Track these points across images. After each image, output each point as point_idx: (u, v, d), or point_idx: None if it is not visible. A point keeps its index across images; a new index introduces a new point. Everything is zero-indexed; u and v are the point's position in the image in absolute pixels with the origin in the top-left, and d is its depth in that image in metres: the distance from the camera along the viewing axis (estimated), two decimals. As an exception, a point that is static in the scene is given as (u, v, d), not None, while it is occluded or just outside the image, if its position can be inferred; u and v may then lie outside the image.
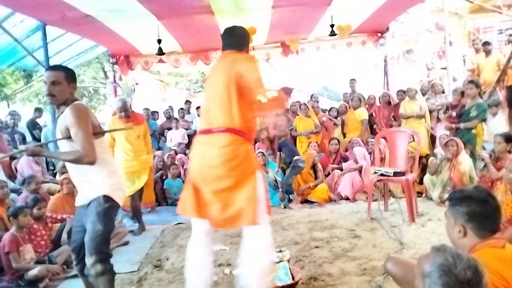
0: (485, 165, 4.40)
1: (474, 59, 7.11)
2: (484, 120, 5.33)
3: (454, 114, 5.45)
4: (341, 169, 5.99)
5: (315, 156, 5.95)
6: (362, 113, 6.96)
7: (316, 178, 5.85)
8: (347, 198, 5.57)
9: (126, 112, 4.51)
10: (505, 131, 5.22)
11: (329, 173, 6.09)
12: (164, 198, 6.31)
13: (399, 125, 6.45)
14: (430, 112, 6.64)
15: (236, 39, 2.60)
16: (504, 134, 4.46)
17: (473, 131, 5.19)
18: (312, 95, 10.30)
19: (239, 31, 2.64)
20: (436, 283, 1.24)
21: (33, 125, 7.53)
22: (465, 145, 4.97)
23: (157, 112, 9.19)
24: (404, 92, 6.75)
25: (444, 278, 1.23)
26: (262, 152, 5.81)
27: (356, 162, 5.79)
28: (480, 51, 7.00)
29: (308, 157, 5.86)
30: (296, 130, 6.82)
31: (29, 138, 7.05)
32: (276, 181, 5.74)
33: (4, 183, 4.27)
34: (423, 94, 7.01)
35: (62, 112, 2.39)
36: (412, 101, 6.42)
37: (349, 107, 7.28)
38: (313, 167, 5.90)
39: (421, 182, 5.46)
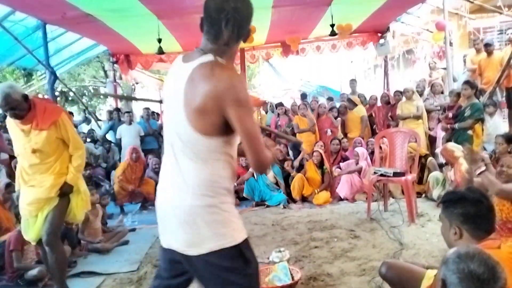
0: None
1: (474, 59, 7.10)
2: (481, 120, 5.31)
3: (450, 115, 5.47)
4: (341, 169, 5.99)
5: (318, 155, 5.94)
6: (361, 110, 7.02)
7: (323, 180, 5.84)
8: (345, 199, 5.58)
9: (13, 110, 2.70)
10: (506, 132, 5.21)
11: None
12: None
13: (397, 125, 6.46)
14: (429, 112, 6.65)
15: None
16: (506, 135, 4.43)
17: (469, 131, 5.17)
18: (302, 93, 10.33)
19: None
20: (449, 269, 1.27)
21: None
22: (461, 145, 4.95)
23: (157, 112, 9.16)
24: (401, 92, 6.76)
25: (457, 265, 1.26)
26: None
27: (357, 162, 5.78)
28: (481, 51, 6.99)
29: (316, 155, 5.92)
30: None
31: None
32: (276, 182, 5.75)
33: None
34: (420, 94, 7.00)
35: None
36: (409, 101, 6.42)
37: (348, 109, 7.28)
38: (321, 167, 5.90)
39: (420, 182, 5.46)
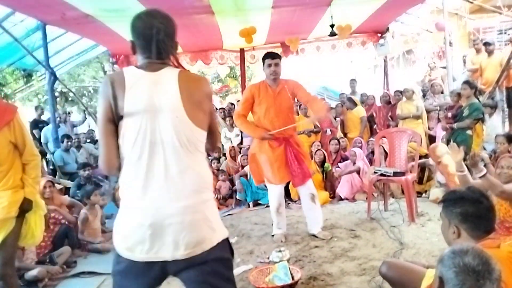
0: (484, 166, 4.39)
1: (474, 59, 7.11)
2: (480, 119, 5.31)
3: (449, 115, 5.47)
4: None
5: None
6: (360, 111, 7.02)
7: (324, 179, 5.85)
8: (345, 199, 5.57)
9: None
10: (506, 132, 5.20)
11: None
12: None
13: (396, 125, 6.46)
14: (429, 112, 6.65)
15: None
16: (507, 135, 4.42)
17: (469, 131, 5.16)
18: None
19: None
20: (445, 265, 1.30)
21: (36, 124, 7.53)
22: (459, 145, 4.93)
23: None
24: (401, 92, 6.76)
25: (452, 260, 1.29)
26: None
27: (354, 162, 5.78)
28: (481, 51, 7.00)
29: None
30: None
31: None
32: None
33: None
34: (424, 94, 7.00)
35: None
36: (409, 101, 6.43)
37: (347, 108, 7.28)
38: (322, 165, 5.89)
39: (420, 182, 5.46)
